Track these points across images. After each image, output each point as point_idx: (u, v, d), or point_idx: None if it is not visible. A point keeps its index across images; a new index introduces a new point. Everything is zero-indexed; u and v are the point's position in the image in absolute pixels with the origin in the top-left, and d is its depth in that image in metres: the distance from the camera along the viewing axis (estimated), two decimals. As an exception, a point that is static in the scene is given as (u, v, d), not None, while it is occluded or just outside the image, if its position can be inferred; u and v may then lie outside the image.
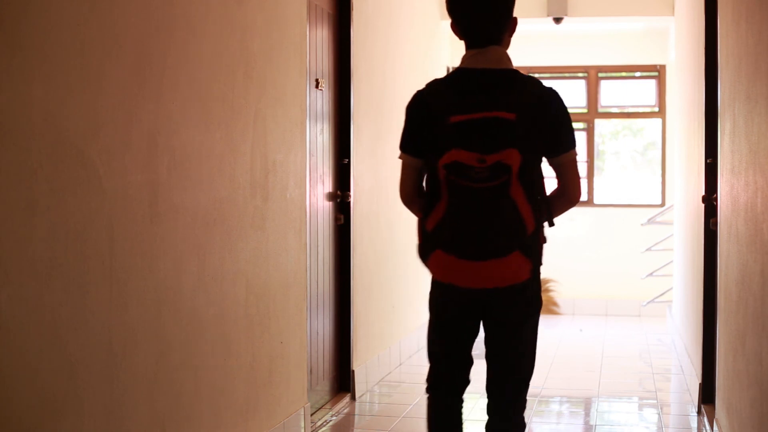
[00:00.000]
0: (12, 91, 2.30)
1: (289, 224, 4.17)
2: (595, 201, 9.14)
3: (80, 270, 2.57)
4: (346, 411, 5.07)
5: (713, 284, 4.67)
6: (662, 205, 8.93)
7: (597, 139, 9.25)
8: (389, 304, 6.16)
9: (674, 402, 5.56)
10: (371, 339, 5.69)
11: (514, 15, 2.87)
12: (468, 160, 2.65)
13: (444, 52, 8.13)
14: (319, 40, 4.89)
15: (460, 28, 2.82)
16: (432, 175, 2.78)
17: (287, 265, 4.16)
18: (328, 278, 5.08)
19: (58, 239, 2.47)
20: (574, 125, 9.34)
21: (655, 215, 8.49)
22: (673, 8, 7.62)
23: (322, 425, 4.74)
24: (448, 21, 2.91)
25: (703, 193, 4.86)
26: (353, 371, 5.30)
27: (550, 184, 2.83)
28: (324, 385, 5.02)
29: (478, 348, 2.93)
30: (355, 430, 4.75)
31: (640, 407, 5.51)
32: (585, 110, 9.21)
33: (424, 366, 6.41)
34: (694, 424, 4.87)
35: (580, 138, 9.18)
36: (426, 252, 2.81)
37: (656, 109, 9.12)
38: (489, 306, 2.80)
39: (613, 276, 8.93)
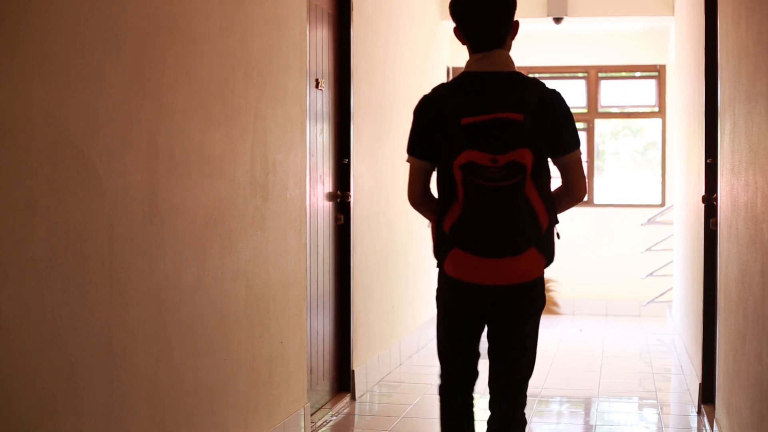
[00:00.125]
0: (12, 91, 2.30)
1: (289, 224, 4.17)
2: (595, 201, 9.14)
3: (80, 270, 2.57)
4: (346, 411, 5.07)
5: (713, 284, 4.67)
6: (662, 205, 8.93)
7: (597, 139, 9.25)
8: (389, 304, 6.16)
9: (674, 402, 5.56)
10: (371, 339, 5.69)
11: (516, 19, 2.94)
12: (481, 160, 2.72)
13: (444, 52, 8.13)
14: (319, 40, 4.89)
15: (464, 32, 2.89)
16: (446, 176, 2.83)
17: (287, 265, 4.16)
18: (328, 278, 5.08)
19: (58, 239, 2.47)
20: (574, 125, 9.35)
21: (655, 215, 8.49)
22: (673, 8, 7.62)
23: (322, 425, 4.74)
24: (448, 21, 2.97)
25: (703, 193, 4.86)
26: (353, 371, 5.30)
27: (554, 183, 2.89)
28: (324, 385, 5.02)
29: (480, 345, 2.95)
30: (355, 430, 4.75)
31: (640, 407, 5.51)
32: (585, 110, 9.21)
33: (424, 366, 6.44)
34: (694, 424, 4.87)
35: (581, 138, 9.16)
36: (443, 252, 2.86)
37: (656, 109, 9.12)
38: (498, 302, 2.86)
39: (613, 276, 8.93)
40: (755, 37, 3.17)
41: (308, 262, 4.55)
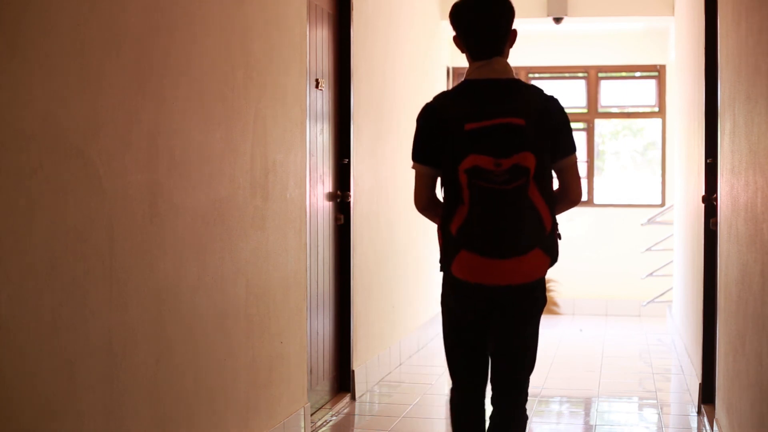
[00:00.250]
0: (12, 91, 2.30)
1: (289, 224, 4.17)
2: (595, 201, 9.14)
3: (80, 270, 2.57)
4: (346, 411, 5.07)
5: (713, 284, 4.67)
6: (662, 205, 8.93)
7: (597, 139, 9.25)
8: (389, 304, 6.16)
9: (674, 402, 5.56)
10: (371, 339, 5.69)
11: (514, 27, 3.02)
12: (486, 164, 2.81)
13: (444, 52, 8.13)
14: (319, 40, 4.89)
15: (464, 40, 2.97)
16: (451, 181, 2.91)
17: (287, 265, 4.16)
18: (328, 278, 5.08)
19: (58, 239, 2.47)
20: (575, 125, 9.38)
21: (655, 215, 8.49)
22: (673, 8, 7.62)
23: (322, 425, 4.74)
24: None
25: (703, 193, 4.86)
26: (353, 371, 5.30)
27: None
28: (324, 385, 5.02)
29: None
30: (355, 430, 4.75)
31: (640, 407, 5.51)
32: (585, 110, 9.21)
33: (424, 366, 6.44)
34: (694, 424, 4.87)
35: (580, 138, 9.18)
36: (450, 255, 2.92)
37: (656, 109, 9.12)
38: (503, 302, 2.95)
39: (613, 276, 8.93)
40: (755, 37, 3.17)
41: (308, 262, 4.55)
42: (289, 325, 4.19)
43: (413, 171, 3.05)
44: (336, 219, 5.17)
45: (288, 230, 4.17)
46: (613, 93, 9.28)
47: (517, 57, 9.07)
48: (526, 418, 3.06)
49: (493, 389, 3.05)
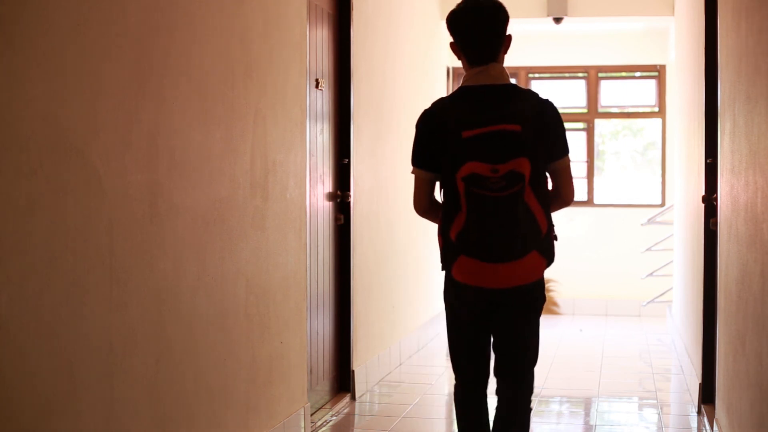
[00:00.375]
0: (12, 91, 2.30)
1: (289, 224, 4.17)
2: (595, 201, 9.14)
3: (80, 270, 2.57)
4: (346, 411, 5.07)
5: (713, 284, 4.67)
6: (662, 205, 8.93)
7: (597, 139, 9.25)
8: (389, 304, 6.16)
9: (674, 402, 5.56)
10: (371, 339, 5.69)
11: (509, 33, 3.10)
12: (483, 171, 2.90)
13: (444, 52, 8.13)
14: (319, 40, 4.89)
15: (461, 46, 3.06)
16: (449, 187, 3.01)
17: (287, 265, 4.16)
18: (328, 278, 5.08)
19: (58, 239, 2.47)
20: (575, 125, 9.39)
21: (655, 215, 8.49)
22: (673, 8, 7.62)
23: (322, 425, 4.74)
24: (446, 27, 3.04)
25: (703, 193, 4.86)
26: (353, 371, 5.30)
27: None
28: (324, 385, 5.02)
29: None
30: (355, 430, 4.75)
31: (640, 407, 5.51)
32: (585, 110, 9.21)
33: (424, 366, 6.44)
34: (694, 424, 4.87)
35: (580, 138, 9.18)
36: (450, 259, 3.03)
37: (656, 109, 9.12)
38: (503, 303, 3.06)
39: (613, 276, 8.93)
40: (755, 37, 3.17)
41: (308, 262, 4.55)
42: (289, 325, 4.19)
43: (413, 175, 3.14)
44: (336, 219, 5.17)
45: (288, 230, 4.17)
46: (613, 93, 9.28)
47: (517, 57, 9.09)
48: (530, 410, 3.18)
49: (497, 382, 3.18)
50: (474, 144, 2.91)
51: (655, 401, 5.53)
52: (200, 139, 3.30)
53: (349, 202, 5.24)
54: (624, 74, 9.32)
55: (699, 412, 4.96)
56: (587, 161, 9.15)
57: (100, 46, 2.68)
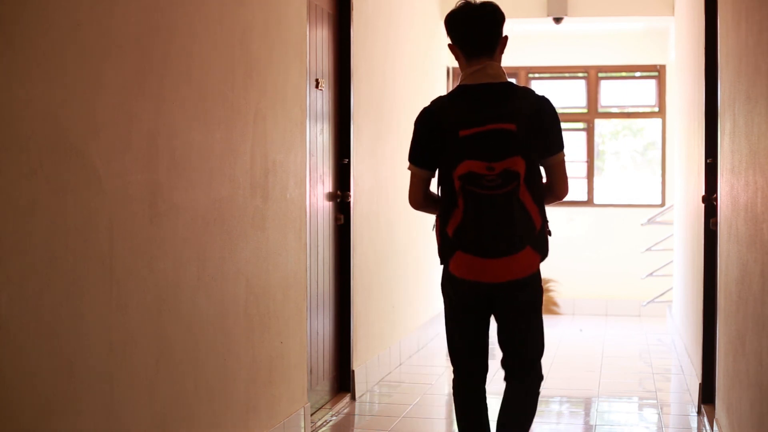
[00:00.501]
0: (12, 91, 2.30)
1: (289, 224, 4.17)
2: (595, 201, 9.14)
3: (80, 270, 2.57)
4: (346, 411, 5.07)
5: (713, 284, 4.67)
6: (662, 205, 8.93)
7: (597, 139, 9.25)
8: (389, 304, 6.16)
9: (674, 402, 5.56)
10: (371, 339, 5.70)
11: (505, 34, 3.21)
12: (479, 169, 3.01)
13: (444, 52, 8.12)
14: (319, 40, 4.89)
15: (459, 41, 3.15)
16: (446, 184, 3.11)
17: (287, 265, 4.16)
18: (328, 278, 5.08)
19: (58, 239, 2.47)
20: (575, 125, 9.39)
21: (655, 215, 8.49)
22: (673, 8, 7.62)
23: (322, 425, 4.74)
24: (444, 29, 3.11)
25: (703, 193, 4.86)
26: (353, 371, 5.30)
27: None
28: (324, 385, 5.02)
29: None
30: (355, 430, 4.75)
31: (640, 407, 5.51)
32: (585, 110, 9.21)
33: (424, 366, 6.43)
34: (694, 424, 4.87)
35: (580, 138, 9.18)
36: (447, 254, 3.15)
37: (656, 109, 9.12)
38: (500, 297, 3.16)
39: (613, 276, 8.93)
40: (755, 37, 3.17)
41: (308, 262, 4.55)
42: (289, 325, 4.19)
43: (409, 171, 3.25)
44: (336, 219, 5.17)
45: (288, 230, 4.17)
46: (613, 93, 9.28)
47: (517, 57, 9.10)
48: (538, 394, 3.26)
49: (504, 370, 3.27)
50: (470, 143, 3.01)
51: (655, 401, 5.53)
52: (200, 139, 3.30)
53: (349, 202, 5.24)
54: (624, 74, 9.32)
55: (699, 412, 4.96)
56: (587, 161, 9.15)
57: (100, 46, 2.68)
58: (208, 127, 3.37)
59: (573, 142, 9.16)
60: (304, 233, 4.40)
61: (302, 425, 4.33)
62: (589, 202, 9.11)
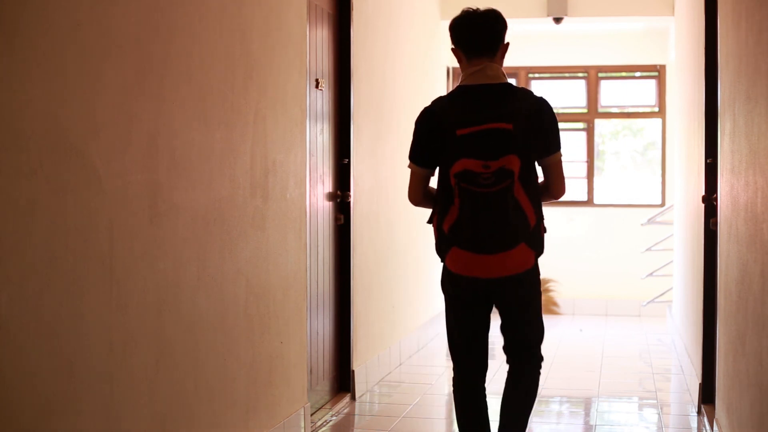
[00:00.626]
0: (11, 91, 2.30)
1: (289, 224, 4.17)
2: (595, 201, 9.14)
3: (80, 270, 2.57)
4: (346, 411, 5.07)
5: (713, 284, 4.67)
6: (662, 205, 8.93)
7: (597, 139, 9.25)
8: (389, 304, 6.16)
9: (674, 402, 5.56)
10: (371, 339, 5.70)
11: (507, 41, 3.33)
12: (475, 167, 3.10)
13: (444, 53, 8.12)
14: (319, 40, 4.89)
15: (462, 43, 3.27)
16: (443, 181, 3.21)
17: (287, 265, 4.16)
18: (328, 278, 5.08)
19: (58, 239, 2.47)
20: (575, 125, 9.39)
21: (655, 215, 8.49)
22: (673, 8, 7.62)
23: (322, 425, 4.74)
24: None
25: (703, 193, 4.86)
26: (353, 371, 5.30)
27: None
28: (324, 385, 5.02)
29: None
30: (355, 430, 4.75)
31: (640, 407, 5.51)
32: (585, 110, 9.21)
33: (424, 366, 6.43)
34: (694, 424, 4.87)
35: (580, 138, 9.18)
36: (443, 250, 3.25)
37: (656, 109, 9.12)
38: (501, 292, 3.25)
39: (613, 276, 8.93)
40: (755, 37, 3.17)
41: (308, 262, 4.55)
42: (289, 325, 4.19)
43: (409, 169, 3.35)
44: (336, 219, 5.17)
45: (288, 230, 4.17)
46: (613, 93, 9.28)
47: (517, 57, 9.09)
48: (539, 375, 3.37)
49: (506, 356, 3.39)
50: (467, 141, 3.11)
51: (655, 401, 5.53)
52: (200, 139, 3.31)
53: (349, 202, 5.24)
54: (624, 74, 9.32)
55: (699, 412, 4.96)
56: (587, 161, 9.15)
57: (100, 46, 2.68)
58: (208, 127, 3.37)
59: (573, 142, 9.16)
60: (304, 233, 4.40)
61: (302, 425, 4.33)
62: (589, 202, 9.11)
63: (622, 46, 9.06)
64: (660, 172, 9.08)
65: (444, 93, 8.09)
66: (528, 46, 8.86)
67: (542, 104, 3.19)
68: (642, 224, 8.56)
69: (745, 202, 3.39)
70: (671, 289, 8.17)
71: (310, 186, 4.62)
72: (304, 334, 4.41)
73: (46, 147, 2.42)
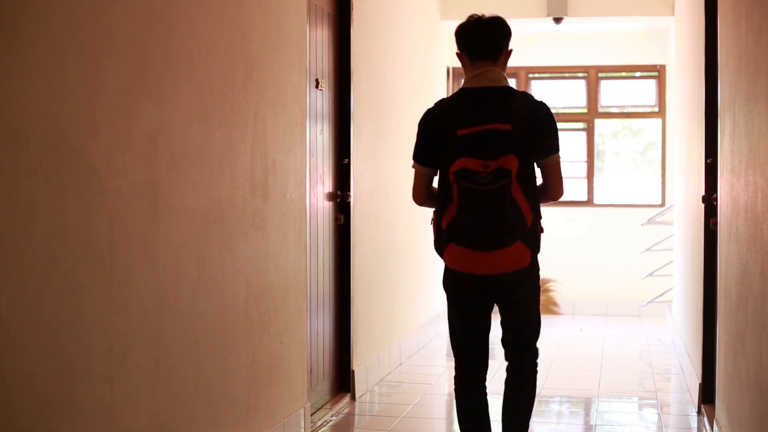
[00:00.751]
0: (11, 91, 2.30)
1: (289, 224, 4.17)
2: (595, 201, 9.14)
3: (80, 270, 2.57)
4: (346, 411, 5.07)
5: (713, 284, 4.67)
6: (662, 205, 8.93)
7: (597, 139, 9.25)
8: (389, 304, 6.16)
9: (674, 402, 5.56)
10: (371, 339, 5.70)
11: (510, 48, 3.44)
12: (474, 166, 3.20)
13: (444, 53, 8.13)
14: (319, 40, 4.89)
15: (468, 54, 3.37)
16: (443, 180, 3.32)
17: (287, 265, 4.16)
18: (328, 278, 5.08)
19: (58, 239, 2.47)
20: (575, 125, 9.38)
21: (655, 215, 8.49)
22: (673, 8, 7.62)
23: (322, 425, 4.74)
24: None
25: (703, 193, 4.86)
26: (353, 371, 5.30)
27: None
28: (324, 385, 5.02)
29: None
30: (355, 430, 4.75)
31: (640, 407, 5.51)
32: (585, 110, 9.21)
33: (424, 366, 6.44)
34: (694, 424, 4.87)
35: (580, 138, 9.18)
36: (441, 246, 3.35)
37: (656, 109, 9.12)
38: (499, 289, 3.33)
39: (613, 276, 8.93)
40: (755, 37, 3.17)
41: (308, 262, 4.55)
42: (289, 325, 4.19)
43: (413, 169, 3.44)
44: (336, 219, 5.17)
45: (288, 230, 4.17)
46: (613, 93, 9.28)
47: (517, 57, 9.05)
48: (536, 371, 3.46)
49: (504, 351, 3.47)
50: (468, 141, 3.21)
51: (655, 401, 5.53)
52: (200, 139, 3.31)
53: (349, 202, 5.24)
54: (624, 74, 9.32)
55: (699, 412, 4.96)
56: (587, 161, 9.15)
57: (100, 46, 2.68)
58: (208, 127, 3.37)
59: (573, 142, 9.16)
60: (304, 233, 4.40)
61: (302, 425, 4.33)
62: (589, 202, 9.11)
63: (622, 46, 9.06)
64: (660, 172, 9.08)
65: (444, 93, 8.11)
66: (528, 46, 8.85)
67: (541, 107, 3.29)
68: (642, 224, 8.56)
69: (745, 202, 3.39)
70: (671, 289, 8.17)
71: (310, 186, 4.62)
72: (304, 334, 4.41)
73: (46, 147, 2.42)
